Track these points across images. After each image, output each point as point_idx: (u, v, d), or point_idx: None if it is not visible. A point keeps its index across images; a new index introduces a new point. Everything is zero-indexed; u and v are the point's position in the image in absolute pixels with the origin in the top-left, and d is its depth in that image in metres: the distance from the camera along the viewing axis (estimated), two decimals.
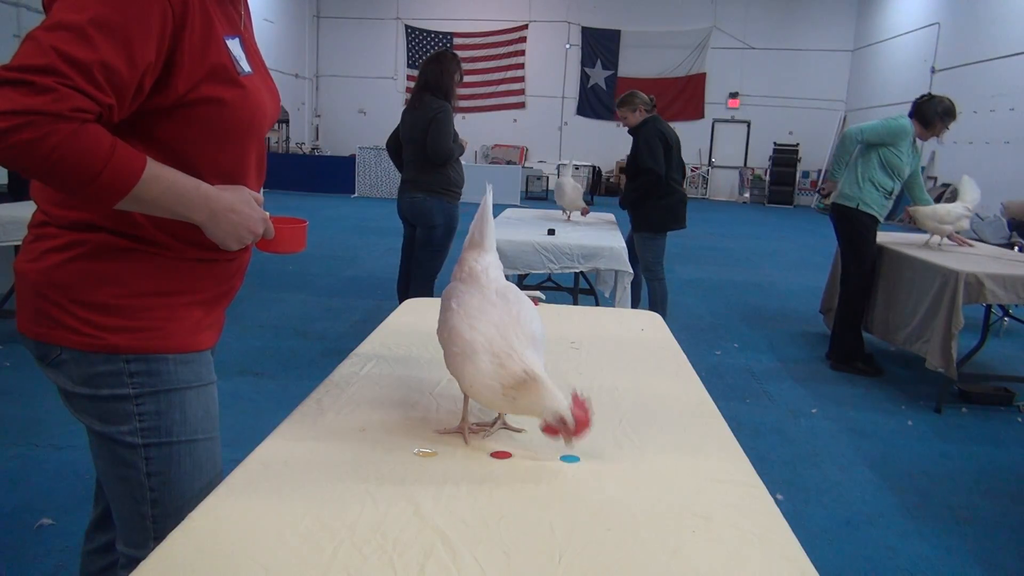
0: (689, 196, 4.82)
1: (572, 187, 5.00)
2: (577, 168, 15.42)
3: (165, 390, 1.15)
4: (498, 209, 6.22)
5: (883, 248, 4.45)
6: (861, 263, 4.30)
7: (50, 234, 1.11)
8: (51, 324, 1.11)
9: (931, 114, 4.20)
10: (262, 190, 1.27)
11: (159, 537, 0.92)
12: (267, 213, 1.21)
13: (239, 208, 1.13)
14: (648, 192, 4.50)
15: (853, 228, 4.30)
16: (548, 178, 16.00)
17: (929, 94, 4.35)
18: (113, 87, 0.97)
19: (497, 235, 4.35)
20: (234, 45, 1.14)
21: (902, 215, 4.63)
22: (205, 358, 1.23)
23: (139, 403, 1.14)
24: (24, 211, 3.85)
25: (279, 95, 1.29)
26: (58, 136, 0.92)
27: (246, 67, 1.15)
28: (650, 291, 4.62)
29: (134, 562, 0.87)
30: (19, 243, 2.63)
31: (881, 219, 4.30)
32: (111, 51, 0.96)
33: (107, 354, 1.11)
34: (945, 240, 4.47)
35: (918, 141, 4.28)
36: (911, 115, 4.27)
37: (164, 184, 1.04)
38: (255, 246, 1.23)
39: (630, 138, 4.62)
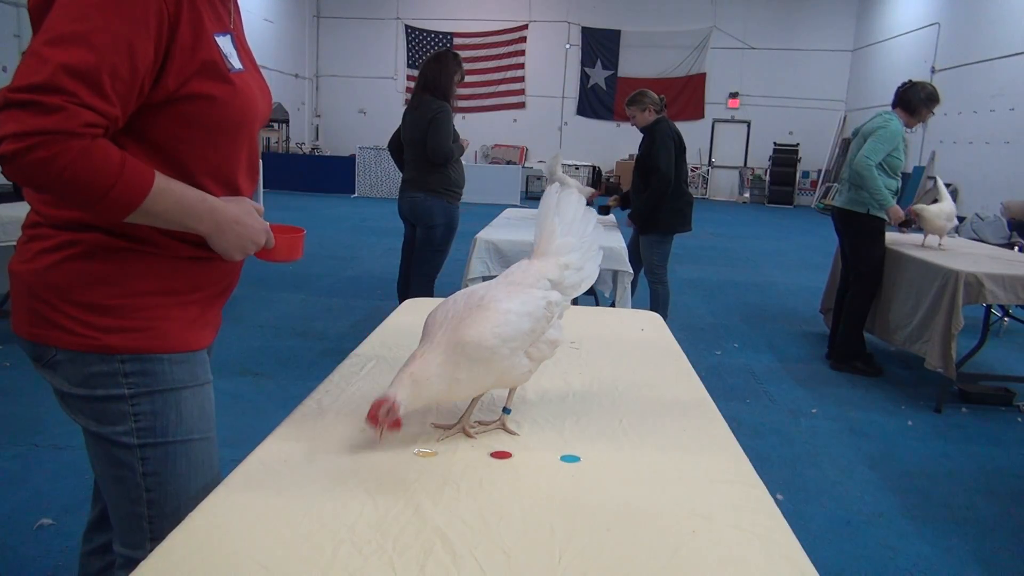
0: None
1: (576, 184, 4.97)
2: (577, 168, 15.42)
3: (161, 390, 1.15)
4: (497, 209, 6.23)
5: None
6: (872, 265, 4.28)
7: (44, 234, 1.10)
8: (46, 325, 1.10)
9: (915, 101, 4.18)
10: (261, 190, 1.28)
11: (156, 538, 0.92)
12: (267, 223, 1.23)
13: (243, 219, 1.15)
14: (660, 199, 4.37)
15: (865, 231, 4.26)
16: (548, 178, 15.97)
17: (910, 81, 4.31)
18: (119, 96, 0.98)
19: (497, 235, 4.34)
20: (224, 42, 1.13)
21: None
22: (201, 358, 1.22)
23: (135, 403, 1.13)
24: (24, 211, 3.83)
25: (271, 93, 1.29)
26: (70, 154, 0.93)
27: (237, 64, 1.15)
28: (652, 294, 4.60)
29: (131, 563, 0.87)
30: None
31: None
32: (115, 60, 0.96)
33: (102, 354, 1.11)
34: (944, 239, 4.46)
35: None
36: (894, 105, 4.24)
37: (172, 197, 1.05)
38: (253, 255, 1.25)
39: (630, 138, 4.60)
